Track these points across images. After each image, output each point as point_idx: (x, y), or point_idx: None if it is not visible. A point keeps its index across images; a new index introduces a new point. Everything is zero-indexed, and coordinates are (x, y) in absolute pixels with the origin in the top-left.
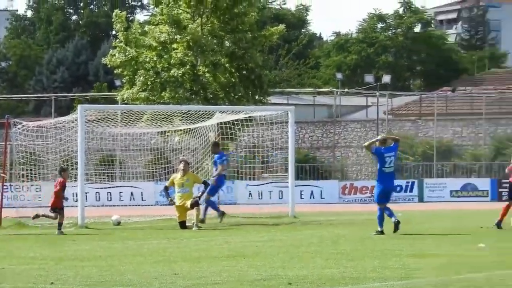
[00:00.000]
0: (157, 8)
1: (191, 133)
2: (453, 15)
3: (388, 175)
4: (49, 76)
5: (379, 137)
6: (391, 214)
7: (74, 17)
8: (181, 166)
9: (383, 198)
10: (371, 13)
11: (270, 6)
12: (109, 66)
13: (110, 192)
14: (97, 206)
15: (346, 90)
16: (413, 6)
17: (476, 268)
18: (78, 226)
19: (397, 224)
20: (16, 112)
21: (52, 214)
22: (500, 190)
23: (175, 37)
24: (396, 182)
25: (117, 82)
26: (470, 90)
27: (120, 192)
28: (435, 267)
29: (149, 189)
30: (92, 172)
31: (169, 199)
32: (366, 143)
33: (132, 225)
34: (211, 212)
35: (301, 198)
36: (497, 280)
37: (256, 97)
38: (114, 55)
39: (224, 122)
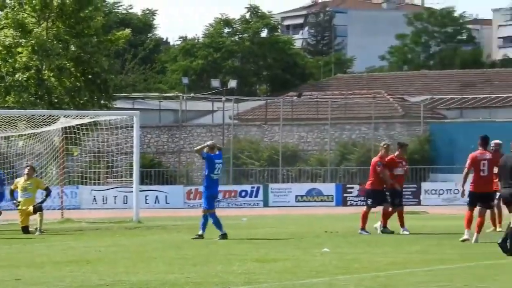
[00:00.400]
0: (2, 12)
1: (35, 138)
2: (300, 20)
3: (215, 182)
4: None
5: (208, 143)
6: (204, 225)
7: None
8: (26, 170)
9: (213, 203)
10: (217, 18)
11: (116, 10)
12: None
13: None
14: None
15: (192, 95)
16: (259, 11)
17: (320, 273)
18: None
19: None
20: None
21: None
22: (345, 195)
23: (20, 41)
24: (242, 187)
25: None
26: (316, 96)
27: None
28: (278, 272)
29: None
30: None
31: (15, 201)
32: (197, 148)
33: None
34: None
35: (146, 203)
36: (340, 284)
37: (102, 101)
38: None
39: (68, 126)
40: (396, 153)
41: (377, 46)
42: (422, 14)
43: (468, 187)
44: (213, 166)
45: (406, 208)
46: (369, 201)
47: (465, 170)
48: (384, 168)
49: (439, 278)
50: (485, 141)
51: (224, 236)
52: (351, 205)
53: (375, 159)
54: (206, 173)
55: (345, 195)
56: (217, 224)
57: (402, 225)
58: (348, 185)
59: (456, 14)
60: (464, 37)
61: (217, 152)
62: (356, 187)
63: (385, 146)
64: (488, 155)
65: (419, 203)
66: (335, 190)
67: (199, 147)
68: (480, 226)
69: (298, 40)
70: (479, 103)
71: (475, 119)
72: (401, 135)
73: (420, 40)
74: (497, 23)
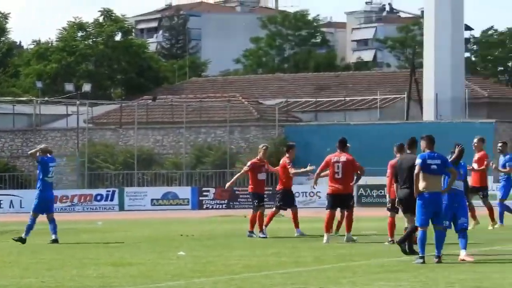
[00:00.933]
0: None
1: None
2: (154, 24)
3: (50, 185)
4: None
5: (41, 146)
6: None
7: None
8: None
9: (44, 207)
10: (71, 21)
11: None
12: None
13: None
14: None
15: (46, 99)
16: (113, 14)
17: (175, 276)
18: None
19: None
20: None
21: None
22: (201, 198)
23: None
24: (97, 191)
25: None
26: (170, 99)
27: None
28: (134, 276)
29: None
30: None
31: None
32: (31, 152)
33: None
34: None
35: (0, 207)
36: None
37: None
38: None
39: None
40: (259, 156)
41: (231, 50)
42: (276, 17)
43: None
44: (47, 169)
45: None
46: (278, 203)
47: (318, 169)
48: (292, 168)
49: (294, 281)
50: (342, 144)
51: (21, 240)
52: (207, 208)
53: (284, 160)
54: (40, 177)
55: (200, 198)
56: (29, 228)
57: (296, 226)
58: (204, 189)
59: (310, 17)
60: (318, 40)
61: (49, 156)
62: (212, 190)
63: (264, 148)
64: (343, 158)
65: None
66: (190, 194)
67: (33, 151)
68: (346, 226)
69: (153, 43)
70: (334, 106)
71: (330, 122)
72: (257, 138)
73: (275, 43)
74: (351, 26)
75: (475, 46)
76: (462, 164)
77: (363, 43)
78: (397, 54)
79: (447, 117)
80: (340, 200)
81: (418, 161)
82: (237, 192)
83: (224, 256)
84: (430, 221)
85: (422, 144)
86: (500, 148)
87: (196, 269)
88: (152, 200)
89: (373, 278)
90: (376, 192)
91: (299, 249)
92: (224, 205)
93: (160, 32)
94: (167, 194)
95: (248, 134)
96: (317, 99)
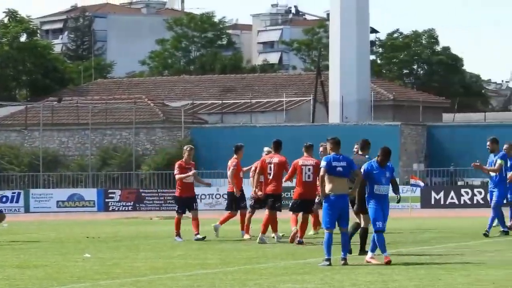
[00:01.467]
0: None
1: None
2: (59, 25)
3: None
4: None
5: None
6: None
7: None
8: None
9: None
10: None
11: None
12: None
13: None
14: None
15: None
16: (18, 15)
17: (81, 279)
18: None
19: None
20: None
21: None
22: (107, 200)
23: None
24: (2, 193)
25: None
26: (76, 101)
27: None
28: (40, 278)
29: None
30: None
31: None
32: None
33: None
34: None
35: None
36: None
37: None
38: None
39: None
40: (184, 158)
41: (137, 51)
42: (182, 19)
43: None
44: None
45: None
46: (242, 204)
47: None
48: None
49: (200, 283)
50: (276, 145)
51: None
52: (113, 210)
53: (232, 162)
54: None
55: (106, 200)
56: None
57: (242, 228)
58: (109, 190)
59: (216, 19)
60: (224, 42)
61: None
62: (118, 192)
63: (188, 149)
64: (276, 159)
65: None
66: (96, 195)
67: None
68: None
69: (58, 44)
70: (240, 108)
71: (236, 124)
72: (163, 140)
73: (180, 45)
74: (256, 29)
75: (380, 49)
76: (390, 166)
77: (269, 46)
78: (303, 57)
79: (352, 120)
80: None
81: (323, 163)
82: (143, 194)
83: (130, 258)
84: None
85: (328, 146)
86: (488, 146)
87: (102, 271)
88: (57, 202)
89: (279, 280)
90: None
91: (205, 251)
92: (130, 207)
93: (66, 33)
94: (72, 196)
95: (153, 136)
96: (223, 101)
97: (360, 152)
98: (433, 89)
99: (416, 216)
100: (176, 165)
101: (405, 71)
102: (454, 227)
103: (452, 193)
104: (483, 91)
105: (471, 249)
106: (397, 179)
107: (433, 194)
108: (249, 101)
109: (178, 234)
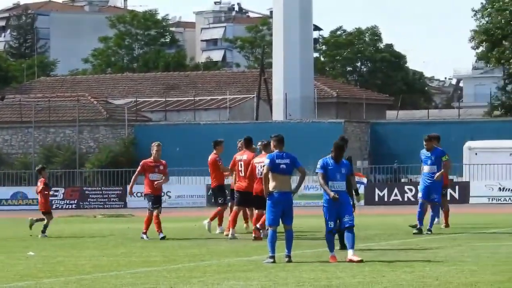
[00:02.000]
0: None
1: None
2: (2, 23)
3: None
4: None
5: None
6: None
7: None
8: None
9: None
10: None
11: None
12: None
13: None
14: None
15: None
16: None
17: (25, 277)
18: None
19: None
20: None
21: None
22: (51, 198)
23: None
24: None
25: None
26: (19, 99)
27: None
28: None
29: None
30: None
31: None
32: None
33: None
34: None
35: None
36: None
37: None
38: None
39: None
40: (152, 156)
41: (80, 49)
42: (125, 16)
43: None
44: None
45: (113, 211)
46: (219, 200)
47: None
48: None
49: (144, 280)
50: (247, 142)
51: None
52: (57, 208)
53: (213, 157)
54: None
55: (50, 198)
56: None
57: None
58: (53, 189)
59: (159, 16)
60: (168, 40)
61: None
62: (61, 190)
63: (156, 145)
64: (245, 156)
65: (125, 206)
66: None
67: None
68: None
69: (0, 42)
70: (183, 105)
71: (179, 122)
72: (106, 138)
73: (124, 43)
74: (199, 26)
75: (324, 47)
76: (345, 162)
77: (212, 43)
78: (246, 54)
79: (296, 117)
80: (246, 198)
81: (266, 161)
82: (87, 192)
83: (74, 256)
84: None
85: (272, 144)
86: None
87: (45, 269)
88: (1, 200)
89: (224, 277)
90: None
91: (149, 249)
92: (73, 205)
93: (8, 31)
94: (16, 194)
95: (97, 133)
96: (167, 99)
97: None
98: (377, 87)
99: (359, 213)
100: (141, 164)
101: (348, 68)
102: (398, 224)
103: (395, 190)
104: (426, 88)
105: (414, 246)
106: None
107: (377, 191)
108: (192, 98)
109: (145, 233)
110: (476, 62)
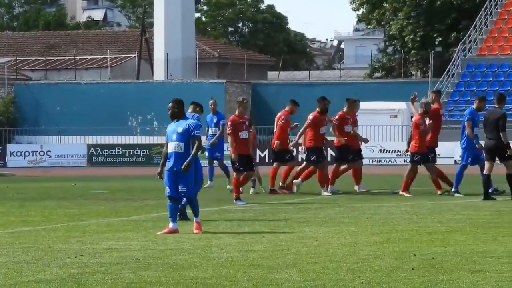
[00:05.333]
0: None
1: None
2: None
3: None
4: None
5: None
6: None
7: None
8: None
9: None
10: None
11: None
12: None
13: None
14: None
15: None
16: None
17: None
18: None
19: None
20: None
21: None
22: None
23: None
24: None
25: None
26: None
27: None
28: None
29: None
30: None
31: None
32: None
33: None
34: None
35: None
36: None
37: None
38: None
39: None
40: (238, 112)
41: None
42: None
43: None
44: None
45: None
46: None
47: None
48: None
49: (23, 240)
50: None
51: None
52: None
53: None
54: None
55: None
56: None
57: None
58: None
59: None
60: None
61: None
62: None
63: (245, 101)
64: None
65: (5, 165)
66: None
67: None
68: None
69: None
70: (64, 65)
71: (60, 81)
72: None
73: (3, 1)
74: None
75: (205, 7)
76: (188, 122)
77: (93, 2)
78: (127, 14)
79: (177, 77)
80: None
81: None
82: None
83: None
84: None
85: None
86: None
87: None
88: None
89: (102, 237)
90: (107, 152)
91: (27, 209)
92: None
93: None
94: None
95: None
96: (47, 58)
97: (496, 105)
98: (258, 47)
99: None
100: (229, 122)
101: (230, 29)
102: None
103: None
104: (307, 49)
105: (294, 207)
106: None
107: (258, 152)
108: (73, 58)
109: (238, 197)
110: (357, 24)
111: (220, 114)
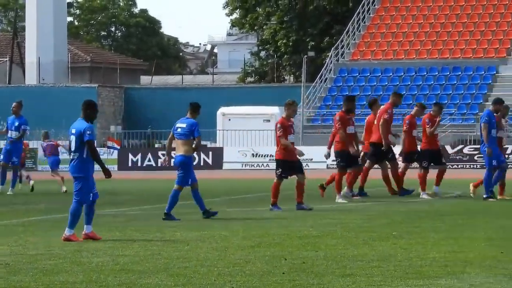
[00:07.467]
0: None
1: None
2: None
3: None
4: None
5: None
6: None
7: None
8: None
9: None
10: None
11: None
12: None
13: None
14: None
15: None
16: None
17: None
18: None
19: None
20: None
21: None
22: None
23: None
24: None
25: None
26: None
27: None
28: None
29: None
30: None
31: None
32: None
33: None
34: None
35: None
36: None
37: None
38: None
39: None
40: (287, 114)
41: None
42: None
43: None
44: None
45: None
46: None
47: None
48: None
49: None
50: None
51: None
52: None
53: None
54: None
55: None
56: None
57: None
58: None
59: None
60: None
61: None
62: None
63: (294, 104)
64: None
65: None
66: None
67: None
68: None
69: None
70: None
71: None
72: None
73: None
74: None
75: (78, 11)
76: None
77: None
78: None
79: (49, 81)
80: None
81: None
82: None
83: None
84: None
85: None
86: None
87: None
88: None
89: None
90: None
91: None
92: None
93: None
94: None
95: None
96: None
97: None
98: (131, 52)
99: (113, 178)
100: (278, 124)
101: (103, 33)
102: (151, 189)
103: (149, 155)
104: (180, 54)
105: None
106: (95, 142)
107: (130, 156)
108: None
109: (275, 203)
110: (230, 28)
111: (22, 118)
